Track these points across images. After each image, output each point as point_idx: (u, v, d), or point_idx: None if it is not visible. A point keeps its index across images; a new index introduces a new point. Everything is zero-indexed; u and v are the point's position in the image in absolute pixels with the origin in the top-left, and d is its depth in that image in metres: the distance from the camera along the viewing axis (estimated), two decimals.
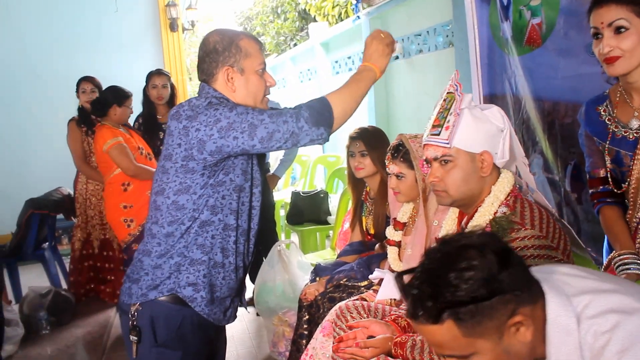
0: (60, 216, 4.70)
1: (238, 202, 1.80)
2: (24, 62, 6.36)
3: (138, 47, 6.91)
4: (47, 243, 4.69)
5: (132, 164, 3.62)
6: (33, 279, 4.98)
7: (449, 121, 1.66)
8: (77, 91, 4.33)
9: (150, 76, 4.22)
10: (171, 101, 4.24)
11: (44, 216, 4.49)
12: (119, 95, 3.73)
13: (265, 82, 1.83)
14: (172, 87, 4.30)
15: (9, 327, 3.59)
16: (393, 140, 2.79)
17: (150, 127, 4.19)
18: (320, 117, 1.75)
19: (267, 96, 1.89)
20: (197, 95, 1.82)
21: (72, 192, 4.52)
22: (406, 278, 1.13)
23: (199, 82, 1.83)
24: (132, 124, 4.22)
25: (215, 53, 1.76)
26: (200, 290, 1.75)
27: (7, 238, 4.72)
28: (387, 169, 2.36)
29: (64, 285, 4.63)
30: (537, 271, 1.17)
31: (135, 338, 1.73)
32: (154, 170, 3.63)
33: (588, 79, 2.25)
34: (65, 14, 6.53)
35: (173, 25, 7.00)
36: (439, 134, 1.68)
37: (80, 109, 4.30)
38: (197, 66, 1.83)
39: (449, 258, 1.07)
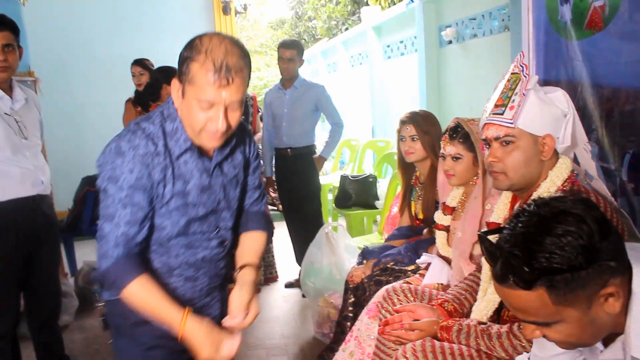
0: None
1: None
2: (83, 43, 6.57)
3: (192, 30, 6.74)
4: None
5: None
6: (88, 253, 5.15)
7: (513, 101, 1.63)
8: (131, 72, 4.44)
9: None
10: None
11: (99, 193, 4.63)
12: (167, 74, 3.76)
13: (206, 120, 1.49)
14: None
15: (65, 298, 3.74)
16: (445, 125, 2.78)
17: None
18: (113, 277, 1.51)
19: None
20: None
21: None
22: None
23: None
24: None
25: (179, 58, 1.54)
26: None
27: (64, 214, 4.89)
28: (442, 150, 2.33)
29: None
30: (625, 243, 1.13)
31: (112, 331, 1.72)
32: None
33: None
34: None
35: (226, 9, 7.07)
36: (502, 114, 1.64)
37: (137, 91, 4.40)
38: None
39: (546, 222, 1.03)
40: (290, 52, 4.14)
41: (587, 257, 1.00)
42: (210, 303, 1.75)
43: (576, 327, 1.06)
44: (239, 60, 1.47)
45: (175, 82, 1.54)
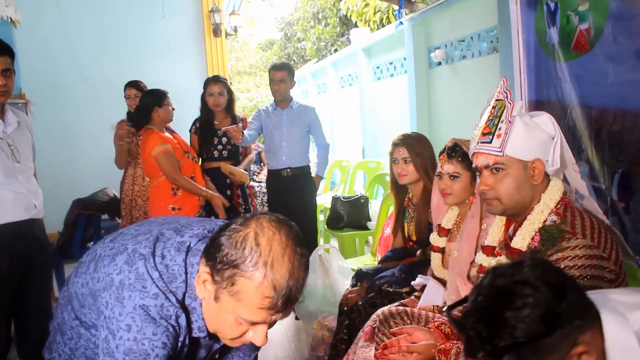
0: (104, 216, 4.82)
1: None
2: (74, 66, 6.59)
3: (183, 52, 7.06)
4: (92, 242, 4.81)
5: (176, 174, 3.68)
6: None
7: (500, 129, 1.65)
8: (125, 94, 4.43)
9: (207, 83, 4.26)
10: (229, 107, 4.28)
11: (90, 216, 4.61)
12: (157, 97, 3.78)
13: (242, 332, 1.29)
14: (230, 92, 4.32)
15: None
16: (435, 146, 2.80)
17: (206, 132, 4.23)
18: None
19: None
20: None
21: (116, 193, 4.63)
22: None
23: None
24: (190, 127, 4.33)
25: (218, 247, 1.25)
26: None
27: (54, 237, 4.86)
28: (440, 168, 2.34)
29: None
30: (589, 294, 1.13)
31: None
32: (196, 184, 3.69)
33: (638, 86, 2.21)
34: (113, 20, 6.74)
35: (217, 31, 7.12)
36: (490, 142, 1.66)
37: (129, 113, 4.39)
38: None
39: (503, 295, 1.05)
40: (281, 73, 4.21)
41: (548, 325, 1.01)
42: None
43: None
44: (304, 278, 1.23)
45: (202, 273, 1.28)
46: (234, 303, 1.21)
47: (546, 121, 1.68)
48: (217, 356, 1.63)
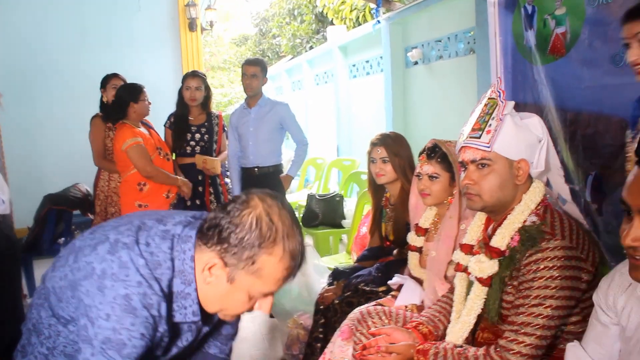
0: (77, 212, 4.74)
1: None
2: (46, 59, 6.44)
3: (158, 46, 6.96)
4: (63, 239, 4.72)
5: (149, 165, 3.65)
6: None
7: (490, 125, 1.66)
8: (105, 87, 4.32)
9: (185, 77, 4.24)
10: (205, 103, 4.26)
11: (61, 212, 4.52)
12: (133, 92, 3.74)
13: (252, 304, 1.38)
14: (208, 89, 4.29)
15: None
16: (412, 146, 2.80)
17: (180, 127, 4.21)
18: None
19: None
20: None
21: (89, 189, 4.55)
22: None
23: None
24: (165, 122, 4.29)
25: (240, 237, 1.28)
26: None
27: (23, 232, 4.76)
28: (419, 169, 2.35)
29: None
30: None
31: None
32: (169, 174, 3.65)
33: (612, 90, 2.24)
34: (88, 12, 6.61)
35: (192, 25, 7.05)
36: (479, 137, 1.68)
37: (106, 105, 4.31)
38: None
39: None
40: (254, 68, 4.20)
41: None
42: None
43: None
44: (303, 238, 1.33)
45: (210, 259, 1.31)
46: (253, 280, 1.28)
47: (535, 124, 1.70)
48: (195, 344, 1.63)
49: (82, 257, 1.35)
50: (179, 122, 4.22)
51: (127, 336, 1.27)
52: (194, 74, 4.25)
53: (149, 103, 3.83)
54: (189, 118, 4.22)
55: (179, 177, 3.86)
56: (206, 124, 4.27)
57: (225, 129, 4.43)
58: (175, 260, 1.34)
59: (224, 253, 1.28)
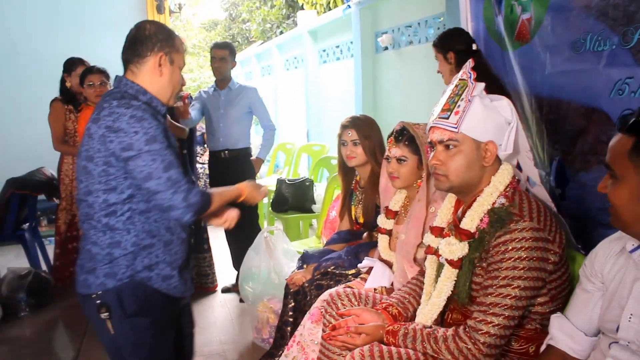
0: (41, 197, 4.63)
1: None
2: (3, 40, 6.24)
3: (124, 29, 6.70)
4: (27, 224, 4.62)
5: None
6: (12, 259, 4.92)
7: (459, 106, 1.67)
8: (70, 73, 4.22)
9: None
10: None
11: (24, 196, 4.42)
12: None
13: (181, 81, 2.05)
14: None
15: None
16: (382, 131, 2.81)
17: None
18: (200, 209, 1.85)
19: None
20: (113, 87, 1.93)
21: (54, 173, 4.46)
22: None
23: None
24: None
25: (154, 38, 1.88)
26: (154, 269, 1.86)
27: None
28: (387, 152, 2.36)
29: (44, 267, 4.58)
30: None
31: (107, 314, 1.82)
32: None
33: (573, 76, 2.27)
34: None
35: (160, 8, 6.91)
36: (447, 118, 1.68)
37: (67, 90, 4.22)
38: (126, 46, 1.92)
39: None
40: (222, 52, 4.18)
41: None
42: None
43: (630, 195, 1.29)
44: None
45: (155, 57, 1.89)
46: (179, 57, 1.95)
47: (505, 106, 1.70)
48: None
49: (91, 142, 1.79)
50: None
51: (153, 132, 1.76)
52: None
53: (103, 85, 3.79)
54: None
55: None
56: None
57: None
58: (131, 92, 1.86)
59: (161, 49, 1.90)
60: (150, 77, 1.89)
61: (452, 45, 2.88)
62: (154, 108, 1.86)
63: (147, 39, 1.87)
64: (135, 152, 1.73)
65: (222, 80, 4.23)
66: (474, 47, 2.95)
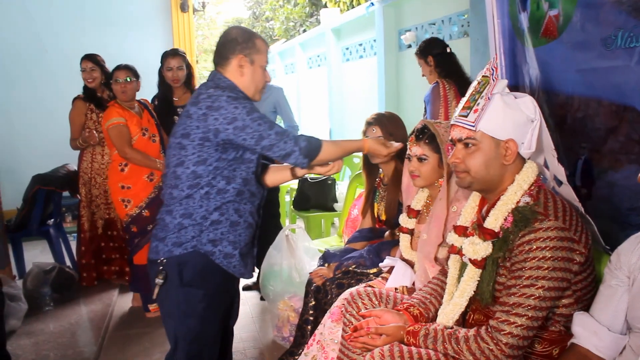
0: (65, 193, 4.69)
1: (247, 172, 2.11)
2: (31, 39, 6.34)
3: (148, 27, 6.86)
4: (52, 220, 4.68)
5: (126, 147, 3.55)
6: (37, 255, 4.99)
7: (478, 104, 1.65)
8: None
9: (165, 57, 4.04)
10: (188, 82, 4.09)
11: (50, 192, 4.47)
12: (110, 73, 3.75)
13: (265, 77, 2.20)
14: (189, 67, 4.12)
15: (13, 302, 3.59)
16: (407, 127, 2.78)
17: (165, 109, 4.03)
18: (310, 152, 2.09)
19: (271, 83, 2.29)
20: (207, 80, 2.16)
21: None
22: None
23: (211, 65, 2.06)
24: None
25: (235, 42, 2.11)
26: (218, 245, 2.07)
27: (12, 213, 4.72)
28: (409, 150, 2.34)
29: (68, 263, 4.63)
30: None
31: (161, 280, 2.03)
32: (149, 157, 3.58)
33: (603, 73, 2.22)
34: None
35: (184, 6, 6.95)
36: (467, 116, 1.67)
37: (85, 88, 4.25)
38: (215, 50, 2.16)
39: None
40: None
41: None
42: None
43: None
44: None
45: (236, 59, 2.10)
46: (259, 56, 2.13)
47: (528, 103, 1.67)
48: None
49: (188, 121, 2.05)
50: (163, 104, 4.07)
51: (249, 106, 2.04)
52: (175, 53, 4.05)
53: (129, 82, 3.69)
54: (174, 99, 4.08)
55: (158, 160, 3.69)
56: None
57: None
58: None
59: (241, 52, 2.10)
60: (234, 77, 2.11)
61: (430, 51, 3.71)
62: (244, 96, 2.11)
63: (229, 43, 2.11)
64: (241, 122, 1.97)
65: None
66: (448, 50, 3.71)
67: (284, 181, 2.44)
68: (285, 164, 2.19)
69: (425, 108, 3.89)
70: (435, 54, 3.68)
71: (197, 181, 2.02)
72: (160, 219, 2.10)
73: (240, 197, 2.09)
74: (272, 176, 2.38)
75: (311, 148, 2.08)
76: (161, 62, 4.06)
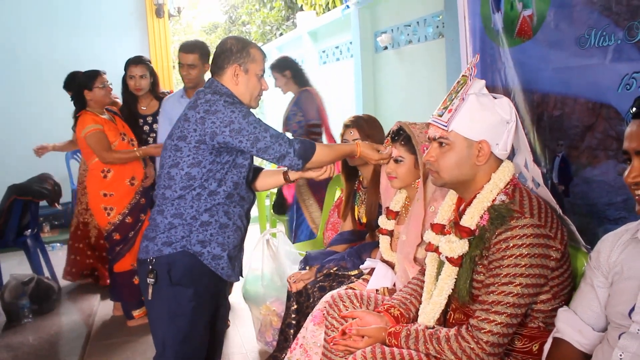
0: (43, 203, 4.63)
1: (239, 176, 2.17)
2: (9, 44, 6.24)
3: (123, 32, 6.80)
4: (29, 230, 4.61)
5: (105, 152, 3.50)
6: (14, 266, 4.91)
7: (454, 104, 1.66)
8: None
9: (128, 65, 3.88)
10: (153, 90, 3.97)
11: (27, 203, 4.41)
12: (86, 79, 3.57)
13: (261, 85, 2.26)
14: (153, 74, 3.99)
15: None
16: (384, 129, 2.79)
17: (129, 117, 3.91)
18: (304, 154, 2.16)
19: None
20: (205, 87, 2.22)
21: (56, 179, 4.47)
22: None
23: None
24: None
25: (230, 52, 2.18)
26: (207, 246, 2.12)
27: None
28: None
29: (47, 274, 4.57)
30: None
31: (152, 280, 2.09)
32: (129, 151, 3.55)
33: (578, 72, 2.25)
34: None
35: (159, 12, 6.91)
36: (442, 116, 1.68)
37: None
38: (212, 60, 2.25)
39: None
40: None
41: None
42: None
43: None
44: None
45: (231, 68, 2.18)
46: (254, 65, 2.19)
47: (504, 105, 1.69)
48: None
49: (186, 124, 2.12)
50: (125, 112, 3.93)
51: (246, 111, 2.13)
52: (137, 61, 3.90)
53: (109, 88, 3.66)
54: (142, 107, 3.98)
55: (136, 149, 3.64)
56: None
57: None
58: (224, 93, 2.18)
59: (235, 61, 2.17)
60: (230, 85, 2.19)
61: (288, 66, 4.43)
62: (240, 102, 2.18)
63: (224, 53, 2.19)
64: (237, 124, 2.04)
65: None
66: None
67: (277, 185, 2.50)
68: (280, 166, 2.23)
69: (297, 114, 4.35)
70: (291, 68, 4.43)
71: (190, 183, 2.08)
72: (152, 219, 2.16)
73: (230, 200, 2.15)
74: (265, 180, 2.44)
75: (305, 150, 2.15)
76: (124, 70, 3.92)
